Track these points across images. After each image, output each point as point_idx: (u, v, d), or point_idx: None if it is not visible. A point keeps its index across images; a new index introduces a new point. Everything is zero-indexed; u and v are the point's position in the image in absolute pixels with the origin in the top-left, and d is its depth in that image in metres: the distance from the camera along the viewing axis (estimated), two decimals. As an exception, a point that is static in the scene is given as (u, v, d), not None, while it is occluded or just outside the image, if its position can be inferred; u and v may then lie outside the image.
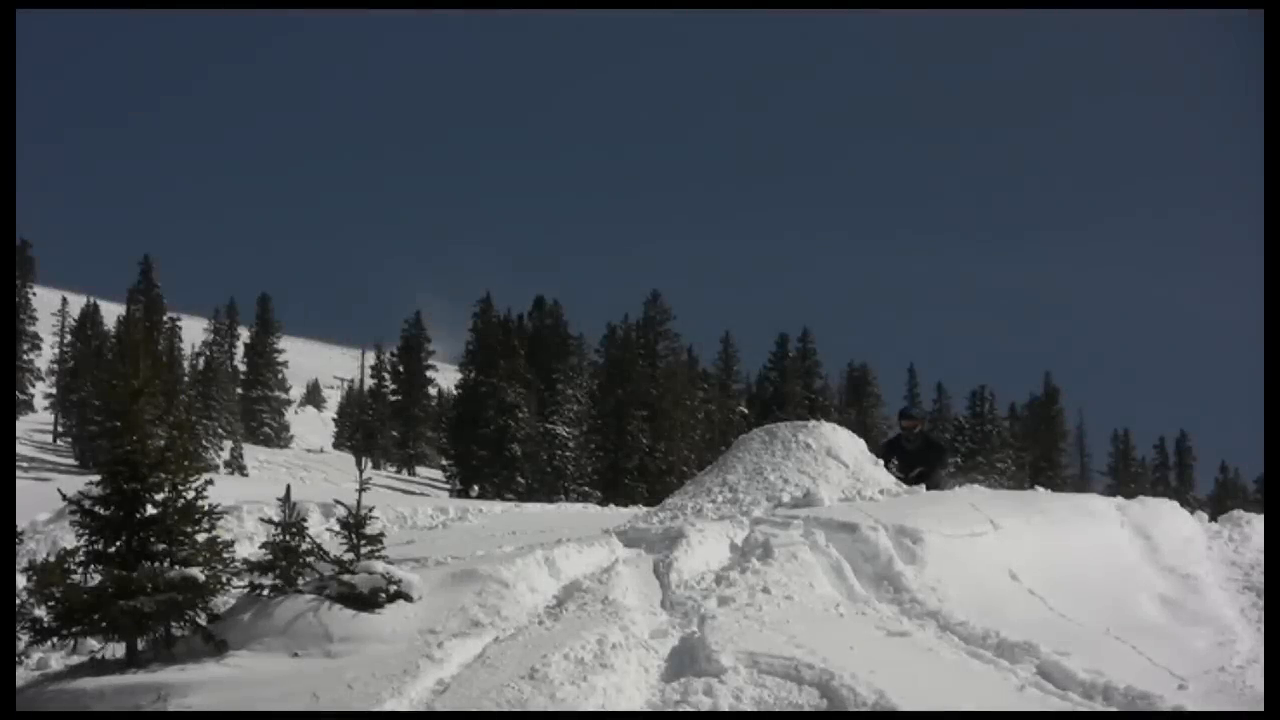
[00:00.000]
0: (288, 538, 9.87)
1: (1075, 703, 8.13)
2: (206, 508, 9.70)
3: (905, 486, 13.81)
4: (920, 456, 14.91)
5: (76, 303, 67.44)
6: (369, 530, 9.86)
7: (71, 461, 54.42)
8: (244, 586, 9.84)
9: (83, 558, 9.48)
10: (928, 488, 13.98)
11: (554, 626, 9.18)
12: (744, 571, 10.45)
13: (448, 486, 59.54)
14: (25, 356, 64.82)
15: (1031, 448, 68.80)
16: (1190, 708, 7.98)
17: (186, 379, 62.87)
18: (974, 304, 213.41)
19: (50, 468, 49.00)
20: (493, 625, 9.24)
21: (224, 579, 9.67)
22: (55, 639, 9.43)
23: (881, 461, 14.40)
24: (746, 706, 7.93)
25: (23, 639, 9.40)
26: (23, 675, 9.73)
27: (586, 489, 58.38)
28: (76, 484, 11.95)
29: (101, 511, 9.52)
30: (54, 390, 64.20)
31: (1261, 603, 10.47)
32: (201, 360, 71.24)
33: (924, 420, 15.32)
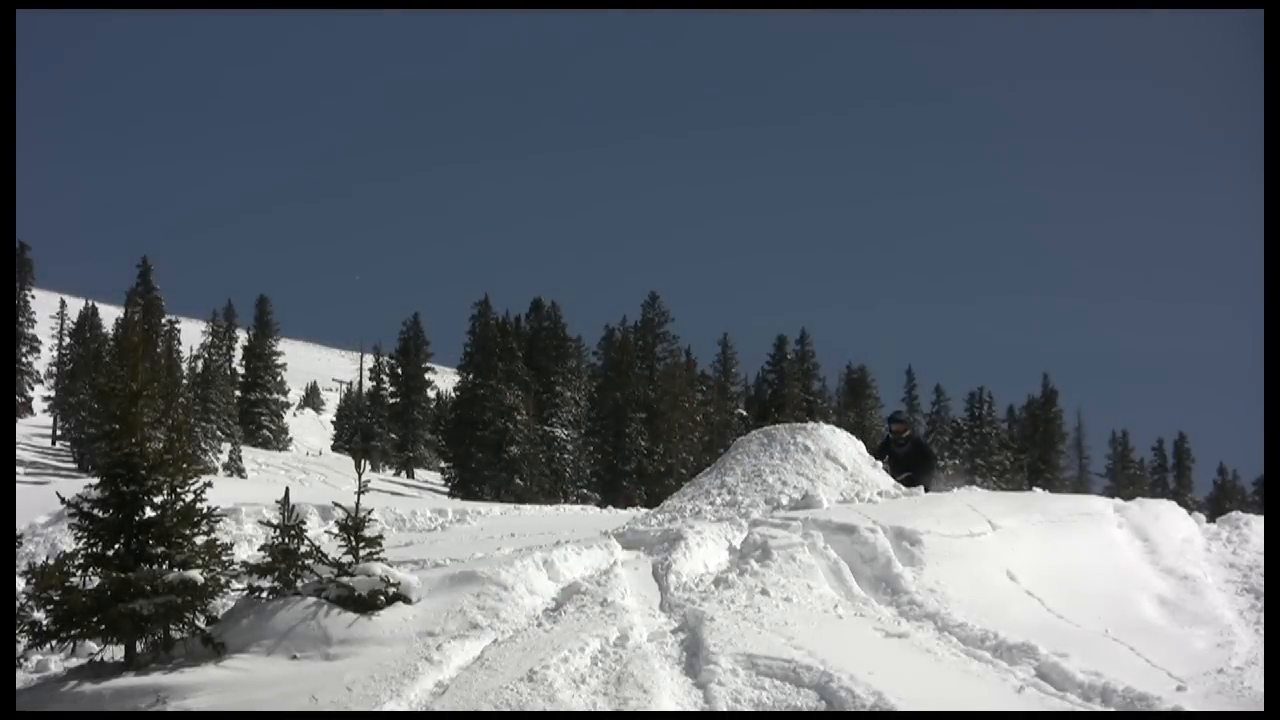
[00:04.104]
0: (286, 540, 9.87)
1: (1074, 704, 8.14)
2: (205, 510, 9.71)
3: (900, 488, 13.81)
4: (909, 461, 14.86)
5: (75, 305, 67.33)
6: (367, 532, 9.87)
7: (71, 464, 54.37)
8: (243, 589, 9.86)
9: (81, 560, 9.49)
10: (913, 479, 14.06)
11: (553, 629, 9.18)
12: (742, 573, 10.46)
13: (446, 489, 59.50)
14: (24, 359, 64.85)
15: (1030, 449, 68.80)
16: (1189, 709, 7.99)
17: (185, 381, 62.79)
18: (973, 304, 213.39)
19: (49, 471, 48.98)
20: (491, 627, 9.25)
21: (223, 581, 9.67)
22: (54, 642, 9.43)
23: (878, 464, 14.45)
24: (745, 708, 7.94)
25: (22, 642, 9.40)
26: (22, 678, 9.74)
27: (585, 491, 58.41)
28: (75, 487, 11.94)
29: (100, 514, 9.52)
30: (53, 393, 64.16)
31: (1260, 604, 10.47)
32: (200, 363, 71.17)
33: (913, 424, 15.42)
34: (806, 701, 7.95)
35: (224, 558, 9.75)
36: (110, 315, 66.01)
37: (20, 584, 10.09)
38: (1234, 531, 12.39)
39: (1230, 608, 10.53)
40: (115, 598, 9.11)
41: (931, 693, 8.01)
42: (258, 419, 73.10)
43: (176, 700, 8.45)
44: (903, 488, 13.82)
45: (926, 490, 14.33)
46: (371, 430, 75.65)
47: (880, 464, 14.67)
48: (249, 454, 62.53)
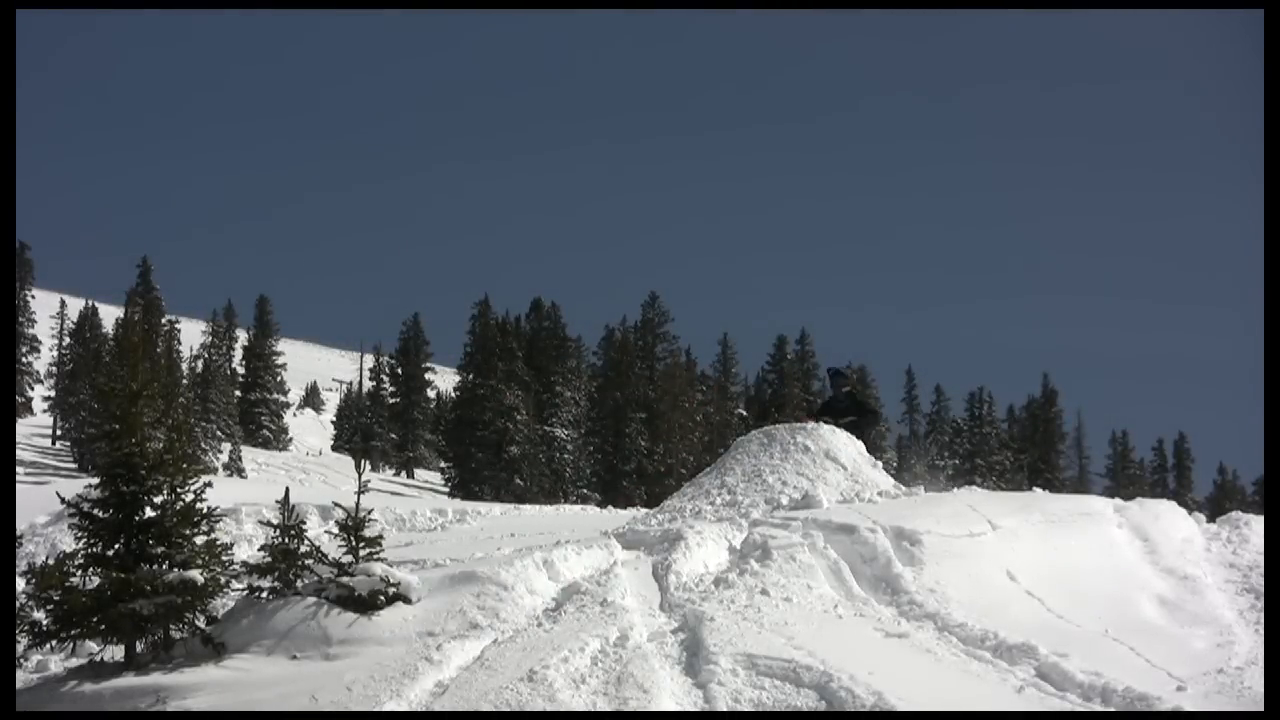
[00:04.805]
0: (286, 540, 9.87)
1: (1074, 704, 8.14)
2: (205, 510, 9.71)
3: (900, 488, 13.80)
4: (848, 413, 15.24)
5: (75, 305, 67.35)
6: (367, 532, 9.87)
7: (71, 464, 54.36)
8: (243, 589, 9.85)
9: (81, 560, 9.49)
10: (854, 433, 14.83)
11: (553, 629, 9.18)
12: (742, 573, 10.45)
13: (446, 489, 59.48)
14: (24, 359, 64.84)
15: (1030, 449, 68.78)
16: (1189, 709, 7.99)
17: (185, 381, 62.76)
18: (973, 305, 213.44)
19: (49, 471, 48.96)
20: (491, 627, 9.25)
21: (223, 581, 9.68)
22: (54, 642, 9.43)
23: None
24: (745, 708, 7.94)
25: (22, 642, 9.40)
26: (22, 678, 9.74)
27: (585, 491, 58.39)
28: (75, 487, 11.93)
29: (100, 514, 9.52)
30: (53, 393, 64.16)
31: (1260, 604, 10.46)
32: (200, 363, 71.16)
33: (854, 381, 15.79)
34: (806, 701, 7.95)
35: (224, 558, 9.74)
36: (110, 315, 65.99)
37: (20, 584, 10.09)
38: (1234, 531, 12.37)
39: (1230, 608, 10.53)
40: (115, 598, 9.11)
41: (931, 693, 8.01)
42: (258, 419, 73.06)
43: (176, 700, 8.45)
44: (902, 488, 13.81)
45: (865, 440, 15.01)
46: (371, 430, 75.63)
47: (823, 420, 15.23)
48: (249, 454, 62.48)
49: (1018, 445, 69.51)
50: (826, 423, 15.04)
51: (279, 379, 76.09)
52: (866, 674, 8.10)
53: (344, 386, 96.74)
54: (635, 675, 8.28)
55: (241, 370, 75.92)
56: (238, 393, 72.28)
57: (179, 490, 9.61)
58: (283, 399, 76.67)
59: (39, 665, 10.21)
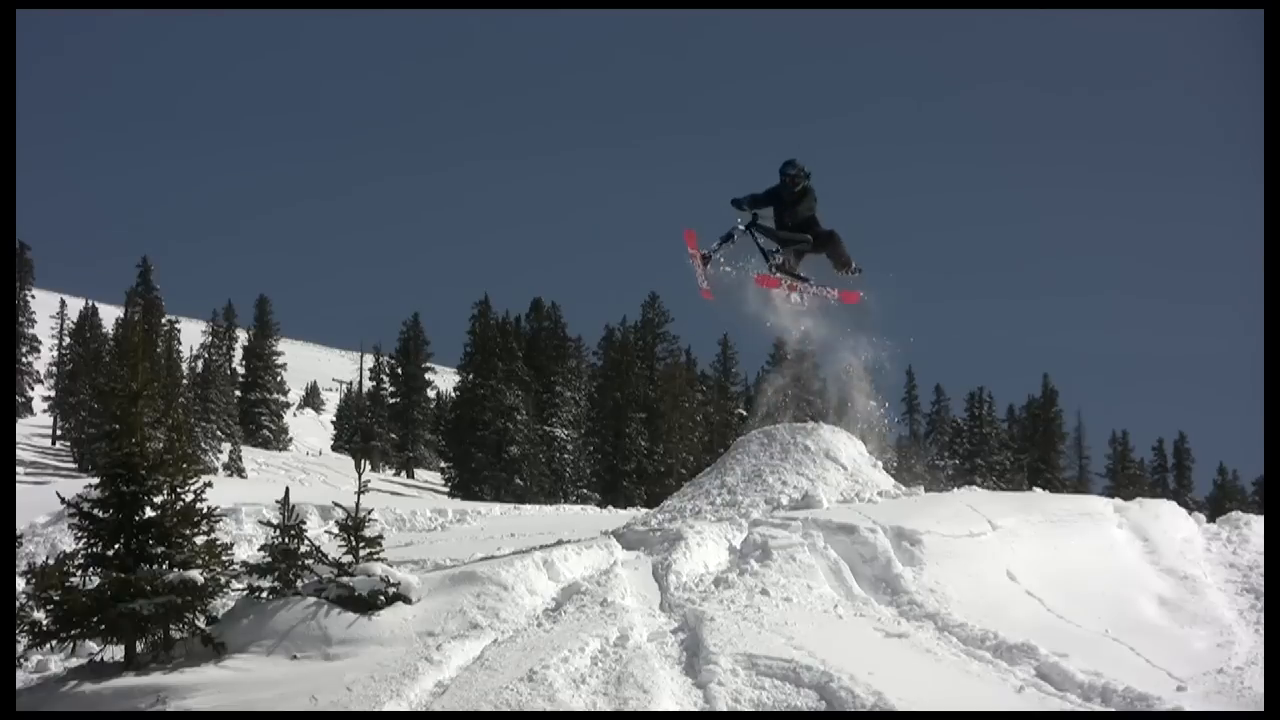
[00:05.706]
0: (286, 540, 9.88)
1: (1074, 704, 8.15)
2: (205, 510, 9.72)
3: (900, 488, 13.79)
4: (798, 201, 13.35)
5: (75, 305, 67.26)
6: (367, 532, 9.88)
7: (71, 464, 54.28)
8: (243, 589, 9.86)
9: (81, 560, 9.50)
10: (807, 229, 13.40)
11: (553, 629, 9.19)
12: (742, 573, 10.46)
13: (446, 489, 59.45)
14: (24, 359, 64.82)
15: (1030, 449, 68.70)
16: (1189, 709, 8.00)
17: (185, 381, 62.70)
18: (973, 304, 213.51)
19: (49, 471, 48.93)
20: (491, 627, 9.25)
21: (223, 581, 9.68)
22: (54, 642, 9.44)
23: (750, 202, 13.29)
24: (745, 708, 7.95)
25: (22, 642, 9.41)
26: (22, 678, 9.75)
27: (585, 491, 58.35)
28: (75, 487, 11.94)
29: (100, 514, 9.53)
30: (53, 393, 64.10)
31: (1260, 604, 10.47)
32: (200, 363, 71.07)
33: (806, 178, 13.90)
34: (806, 701, 7.95)
35: (224, 558, 9.76)
36: (110, 315, 65.92)
37: (20, 584, 10.09)
38: (1234, 531, 12.38)
39: (1230, 608, 10.53)
40: (115, 598, 9.12)
41: (931, 693, 8.02)
42: (258, 419, 72.94)
43: (176, 700, 8.46)
44: (902, 488, 13.78)
45: (837, 245, 13.48)
46: (371, 430, 75.54)
47: (749, 206, 13.29)
48: (249, 454, 62.37)
49: (1018, 445, 69.42)
50: (743, 208, 13.20)
51: (279, 379, 75.94)
52: (866, 674, 8.10)
53: (344, 386, 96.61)
54: (635, 675, 8.28)
55: (241, 370, 75.76)
56: (238, 393, 72.16)
57: (179, 490, 9.62)
58: (283, 399, 76.53)
59: (39, 665, 10.22)
